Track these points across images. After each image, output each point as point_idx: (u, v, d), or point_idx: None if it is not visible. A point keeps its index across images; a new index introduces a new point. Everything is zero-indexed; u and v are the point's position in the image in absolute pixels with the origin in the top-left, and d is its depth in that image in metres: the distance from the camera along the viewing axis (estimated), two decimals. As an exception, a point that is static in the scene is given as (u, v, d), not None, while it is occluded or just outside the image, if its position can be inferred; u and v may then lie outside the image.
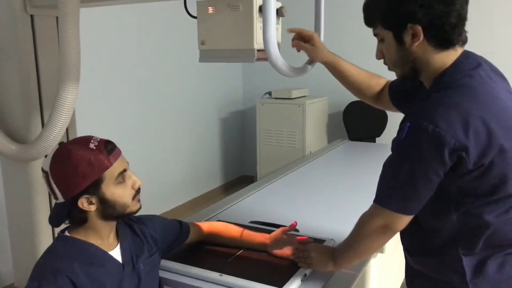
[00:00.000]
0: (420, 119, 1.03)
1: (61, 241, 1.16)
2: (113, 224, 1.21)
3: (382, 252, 1.66)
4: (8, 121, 1.73)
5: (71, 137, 1.83)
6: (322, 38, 1.56)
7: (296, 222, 1.49)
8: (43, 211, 1.75)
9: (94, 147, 1.11)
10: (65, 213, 1.14)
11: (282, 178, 2.49)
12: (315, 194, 2.21)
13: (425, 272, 1.21)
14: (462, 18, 1.08)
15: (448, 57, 1.11)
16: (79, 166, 1.08)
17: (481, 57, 1.16)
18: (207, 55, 1.39)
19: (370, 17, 1.19)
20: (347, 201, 2.06)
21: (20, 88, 1.69)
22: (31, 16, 1.67)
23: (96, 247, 1.16)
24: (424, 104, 1.08)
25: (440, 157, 1.02)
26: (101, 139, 1.15)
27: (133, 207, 1.18)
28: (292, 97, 4.06)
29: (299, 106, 3.96)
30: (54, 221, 1.19)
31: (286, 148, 4.06)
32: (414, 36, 1.09)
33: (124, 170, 1.16)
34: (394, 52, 1.15)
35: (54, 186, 1.10)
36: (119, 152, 1.16)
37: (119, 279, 1.16)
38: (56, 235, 1.21)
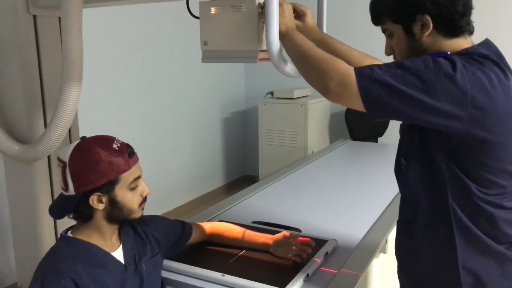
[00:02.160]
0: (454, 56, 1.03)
1: (64, 242, 1.16)
2: (115, 226, 1.21)
3: (384, 252, 1.66)
4: (11, 121, 1.74)
5: (73, 138, 1.83)
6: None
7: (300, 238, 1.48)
8: (46, 211, 1.75)
9: (117, 148, 1.13)
10: (72, 207, 1.14)
11: (284, 178, 2.49)
12: (317, 194, 2.20)
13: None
14: (468, 7, 1.10)
15: (458, 43, 1.11)
16: (100, 164, 1.09)
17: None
18: (209, 56, 1.39)
19: (378, 14, 1.18)
20: (349, 201, 2.06)
21: (23, 88, 1.69)
22: (34, 17, 1.67)
23: (99, 248, 1.16)
24: None
25: (455, 92, 0.99)
26: (123, 142, 1.16)
27: (137, 213, 1.20)
28: (294, 97, 4.06)
29: (301, 106, 3.95)
30: (57, 212, 1.19)
31: (288, 148, 4.06)
32: (424, 26, 1.10)
33: (139, 177, 1.18)
34: (405, 45, 1.15)
35: (68, 177, 1.10)
36: (137, 158, 1.18)
37: (121, 280, 1.17)
38: (59, 235, 1.21)
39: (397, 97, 1.01)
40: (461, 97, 0.99)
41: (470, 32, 1.13)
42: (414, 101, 1.00)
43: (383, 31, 1.20)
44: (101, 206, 1.13)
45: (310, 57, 1.15)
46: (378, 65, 1.05)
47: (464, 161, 1.07)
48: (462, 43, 1.11)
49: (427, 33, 1.10)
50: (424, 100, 1.00)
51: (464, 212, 1.09)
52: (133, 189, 1.16)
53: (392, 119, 1.08)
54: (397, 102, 1.01)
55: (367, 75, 1.03)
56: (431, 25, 1.09)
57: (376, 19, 1.19)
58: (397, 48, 1.17)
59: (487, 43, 1.13)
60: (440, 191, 1.11)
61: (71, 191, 1.11)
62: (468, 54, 1.07)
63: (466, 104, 1.00)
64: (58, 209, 1.19)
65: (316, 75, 1.13)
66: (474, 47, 1.11)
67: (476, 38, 1.15)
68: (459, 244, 1.10)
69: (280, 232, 1.51)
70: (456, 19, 1.09)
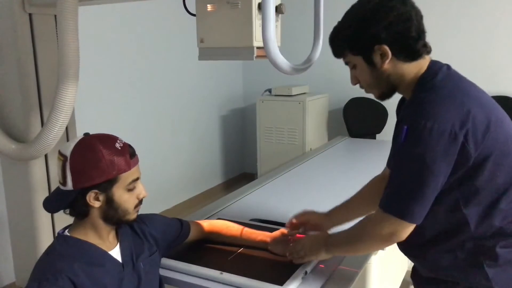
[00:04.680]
0: (415, 117, 1.07)
1: (61, 240, 1.16)
2: (112, 226, 1.21)
3: (383, 249, 1.66)
4: (7, 120, 1.73)
5: (71, 136, 1.82)
6: (321, 36, 1.56)
7: (295, 220, 1.49)
8: (44, 210, 1.74)
9: (119, 148, 1.13)
10: (67, 202, 1.13)
11: (282, 176, 2.49)
12: (316, 191, 2.20)
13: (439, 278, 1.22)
14: (421, 31, 1.16)
15: (420, 65, 1.18)
16: (101, 161, 1.09)
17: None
18: (206, 53, 1.38)
19: (338, 48, 1.24)
20: (348, 197, 2.05)
21: (19, 86, 1.69)
22: (30, 15, 1.66)
23: (96, 247, 1.16)
24: (415, 105, 1.13)
25: (444, 150, 1.04)
26: (125, 142, 1.16)
27: (132, 215, 1.20)
28: (292, 94, 4.05)
29: (299, 103, 3.95)
30: (51, 206, 1.18)
31: (287, 145, 4.06)
32: (383, 55, 1.16)
33: (137, 178, 1.17)
34: (368, 74, 1.21)
35: (68, 172, 1.10)
36: (138, 160, 1.18)
37: (119, 278, 1.16)
38: (56, 234, 1.21)
39: (422, 196, 1.09)
40: (462, 137, 1.05)
41: (428, 52, 1.19)
42: (435, 184, 1.09)
43: (346, 63, 1.25)
44: (97, 204, 1.13)
45: (356, 248, 1.28)
46: (398, 184, 1.13)
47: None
48: (422, 64, 1.18)
49: (387, 61, 1.16)
50: (443, 176, 1.08)
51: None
52: (130, 190, 1.16)
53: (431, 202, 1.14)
54: (424, 199, 1.10)
55: (396, 209, 1.12)
56: (390, 53, 1.15)
57: (337, 53, 1.25)
58: (362, 77, 1.23)
59: (433, 60, 1.19)
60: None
61: (69, 186, 1.11)
62: (434, 72, 1.15)
63: (470, 157, 1.07)
64: (53, 203, 1.18)
65: (370, 248, 1.27)
66: (434, 64, 1.18)
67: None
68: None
69: (278, 229, 1.51)
70: (412, 44, 1.15)
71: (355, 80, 1.26)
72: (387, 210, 1.13)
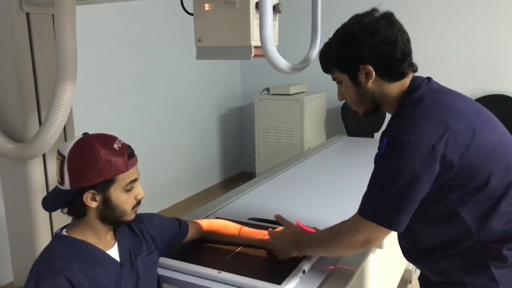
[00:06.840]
0: (395, 132, 1.12)
1: (59, 240, 1.16)
2: (109, 226, 1.21)
3: (380, 247, 1.67)
4: (5, 120, 1.73)
5: (69, 136, 1.82)
6: (319, 35, 1.56)
7: (298, 222, 1.50)
8: (42, 210, 1.74)
9: (118, 148, 1.13)
10: (65, 201, 1.14)
11: (281, 174, 2.49)
12: (314, 190, 2.21)
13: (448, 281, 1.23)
14: (406, 53, 1.19)
15: (403, 83, 1.22)
16: (99, 162, 1.09)
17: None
18: (204, 52, 1.38)
19: (326, 64, 1.29)
20: (346, 196, 2.06)
21: (17, 86, 1.68)
22: (27, 14, 1.66)
23: (94, 246, 1.16)
24: (396, 120, 1.17)
25: (422, 161, 1.07)
26: (124, 143, 1.16)
27: (130, 216, 1.20)
28: (290, 93, 4.06)
29: (298, 102, 3.95)
30: (49, 205, 1.18)
31: (285, 144, 4.06)
32: (367, 75, 1.19)
33: (135, 179, 1.17)
34: (353, 91, 1.25)
35: (66, 172, 1.10)
36: (136, 160, 1.18)
37: (117, 278, 1.16)
38: (54, 234, 1.21)
39: (400, 204, 1.12)
40: (442, 150, 1.07)
41: (414, 71, 1.23)
42: (414, 195, 1.11)
43: (333, 79, 1.30)
44: (94, 204, 1.13)
45: (330, 252, 1.33)
46: (375, 191, 1.16)
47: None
48: (405, 82, 1.22)
49: (371, 80, 1.20)
50: (423, 188, 1.11)
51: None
52: (128, 191, 1.16)
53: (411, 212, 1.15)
54: (404, 209, 1.12)
55: (374, 215, 1.14)
56: (374, 74, 1.18)
57: (326, 69, 1.31)
58: (347, 94, 1.28)
59: (415, 76, 1.22)
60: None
61: (67, 185, 1.11)
62: (416, 88, 1.18)
63: (453, 166, 1.09)
64: (51, 202, 1.18)
65: (343, 253, 1.31)
66: (416, 80, 1.20)
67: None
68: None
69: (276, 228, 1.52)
70: (396, 66, 1.18)
71: (341, 96, 1.31)
72: (365, 216, 1.16)
